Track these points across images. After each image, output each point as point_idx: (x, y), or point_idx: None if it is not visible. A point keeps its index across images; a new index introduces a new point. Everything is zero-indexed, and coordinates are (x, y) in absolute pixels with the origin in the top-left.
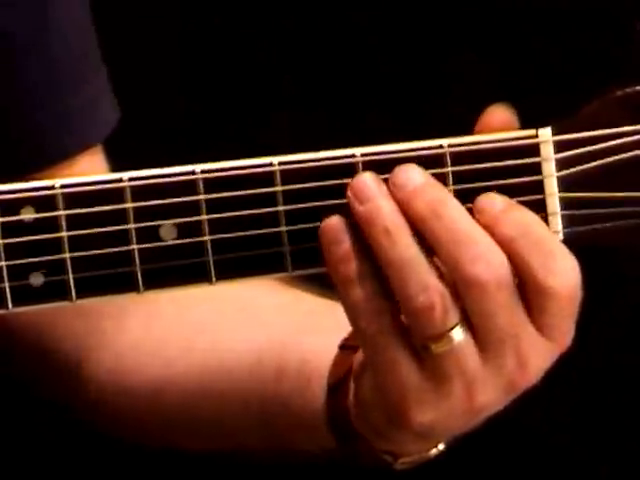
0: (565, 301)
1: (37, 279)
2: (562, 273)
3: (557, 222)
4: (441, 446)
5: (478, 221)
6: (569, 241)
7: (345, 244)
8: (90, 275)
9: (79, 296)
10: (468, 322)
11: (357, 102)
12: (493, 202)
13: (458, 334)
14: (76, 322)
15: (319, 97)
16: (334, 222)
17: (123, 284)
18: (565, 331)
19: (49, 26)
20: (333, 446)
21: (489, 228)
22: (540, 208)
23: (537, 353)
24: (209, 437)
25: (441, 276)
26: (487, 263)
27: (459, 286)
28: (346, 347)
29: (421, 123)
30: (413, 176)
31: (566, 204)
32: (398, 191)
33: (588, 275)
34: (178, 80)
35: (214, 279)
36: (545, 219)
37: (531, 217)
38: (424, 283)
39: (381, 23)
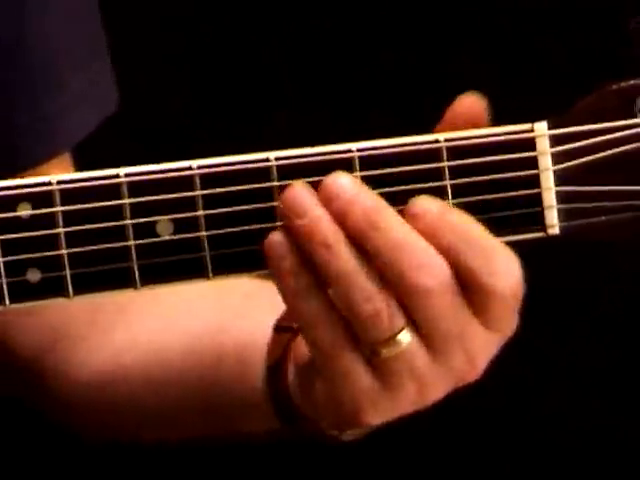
0: (509, 299)
1: (34, 275)
2: (503, 273)
3: (553, 216)
4: None
5: (415, 227)
6: (565, 235)
7: (290, 258)
8: (87, 271)
9: (76, 292)
10: (414, 324)
11: (358, 101)
12: (428, 207)
13: (406, 337)
14: (35, 319)
15: (320, 97)
16: (277, 237)
17: (120, 280)
18: (508, 324)
19: (26, 28)
20: (278, 426)
21: (426, 234)
22: (536, 202)
23: (484, 347)
24: (156, 427)
25: (384, 282)
26: (428, 270)
27: (402, 293)
28: (280, 328)
29: (422, 122)
30: (344, 186)
31: (562, 198)
32: (332, 203)
33: (583, 271)
34: (178, 79)
35: (211, 274)
36: (541, 213)
37: (467, 219)
38: (367, 292)
39: (381, 23)
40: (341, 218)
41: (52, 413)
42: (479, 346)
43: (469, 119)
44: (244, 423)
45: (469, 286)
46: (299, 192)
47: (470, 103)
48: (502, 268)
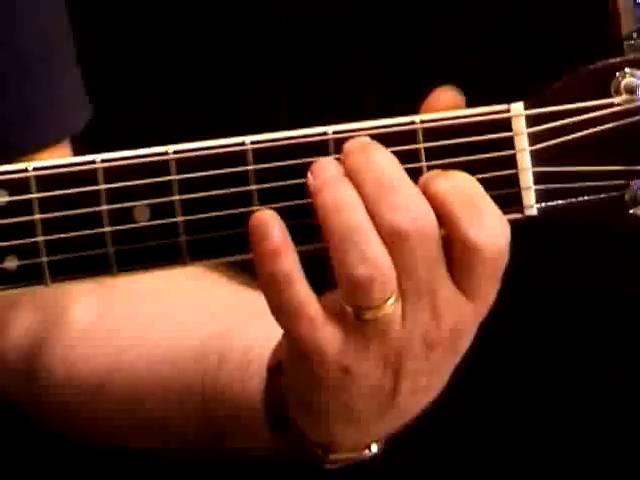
0: (489, 260)
1: (12, 263)
2: (489, 230)
3: (530, 197)
4: (374, 447)
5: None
6: (543, 216)
7: (275, 238)
8: (64, 258)
9: (54, 279)
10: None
11: (359, 99)
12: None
13: (391, 304)
14: (26, 313)
15: (319, 97)
16: (264, 215)
17: (97, 266)
18: (486, 292)
19: (22, 24)
20: (267, 437)
21: (423, 185)
22: (513, 183)
23: (453, 309)
24: (148, 433)
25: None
26: (409, 212)
27: (383, 234)
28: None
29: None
30: (362, 139)
31: (539, 178)
32: (346, 156)
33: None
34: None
35: (188, 260)
36: (518, 194)
37: (467, 176)
38: (364, 254)
39: (382, 23)
40: (344, 160)
41: (43, 421)
42: (448, 307)
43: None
44: (237, 434)
45: (452, 239)
46: (324, 159)
47: (446, 96)
48: (489, 226)
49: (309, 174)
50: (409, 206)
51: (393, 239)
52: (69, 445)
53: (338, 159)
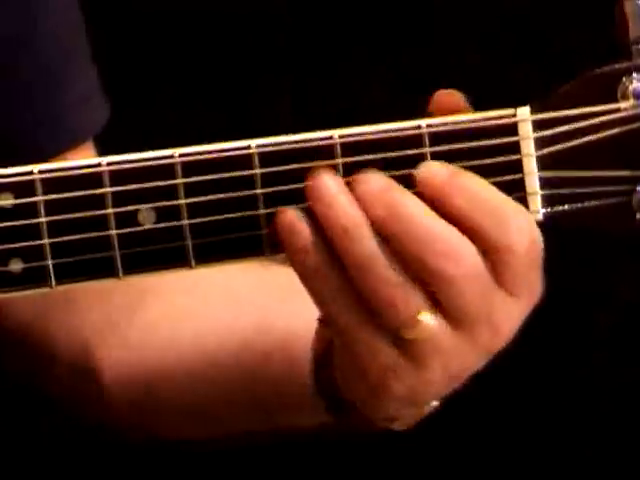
0: (525, 256)
1: (16, 265)
2: (515, 230)
3: (536, 202)
4: (434, 402)
5: (423, 194)
6: (549, 221)
7: (304, 235)
8: (69, 261)
9: (59, 282)
10: (436, 304)
11: (362, 98)
12: (435, 172)
13: (427, 318)
14: (85, 321)
15: (322, 95)
16: (292, 214)
17: (102, 269)
18: (531, 285)
19: (37, 25)
20: (327, 419)
21: (435, 200)
22: (519, 188)
23: (509, 316)
24: (201, 425)
25: (404, 266)
26: (452, 258)
27: (427, 279)
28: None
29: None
30: (373, 178)
31: (545, 183)
32: (356, 187)
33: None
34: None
35: (193, 263)
36: (524, 199)
37: (476, 181)
38: (383, 277)
39: (384, 21)
40: (364, 207)
41: (88, 413)
42: (504, 317)
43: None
44: (293, 417)
45: (485, 249)
46: (324, 178)
47: (448, 98)
48: (513, 226)
49: (311, 197)
50: (450, 251)
51: (440, 284)
52: (69, 445)
53: (347, 183)
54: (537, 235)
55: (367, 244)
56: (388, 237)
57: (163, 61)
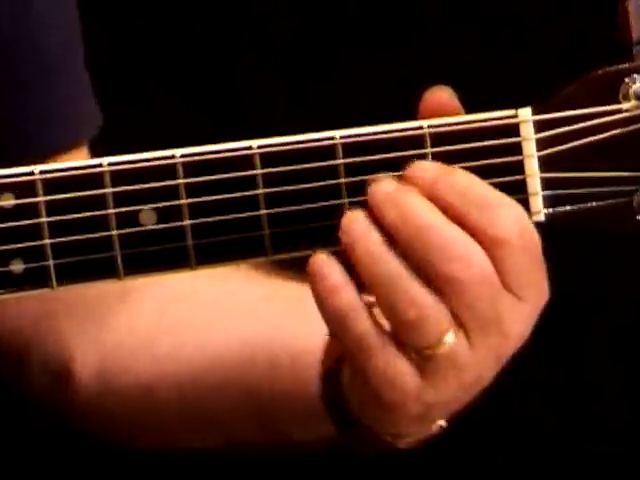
0: (517, 247)
1: (17, 266)
2: (505, 221)
3: (538, 202)
4: (442, 422)
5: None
6: (551, 222)
7: (332, 277)
8: (70, 261)
9: (59, 283)
10: (457, 320)
11: (356, 98)
12: (424, 170)
13: (450, 337)
14: (61, 323)
15: (317, 96)
16: (321, 257)
17: (103, 270)
18: (537, 287)
19: (34, 24)
20: (332, 434)
21: (429, 197)
22: (521, 188)
23: (517, 319)
24: (204, 433)
25: (427, 285)
26: (459, 262)
27: (439, 285)
28: None
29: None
30: (382, 186)
31: (547, 184)
32: (371, 199)
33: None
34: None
35: (194, 264)
36: (526, 200)
37: (466, 178)
38: (411, 297)
39: (381, 23)
40: (377, 217)
41: (73, 420)
42: (513, 321)
43: (442, 113)
44: (298, 430)
45: (482, 244)
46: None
47: (439, 96)
48: (503, 218)
49: (340, 232)
50: (458, 256)
51: (450, 288)
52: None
53: (359, 202)
54: (528, 225)
55: (390, 262)
56: (398, 241)
57: (160, 61)
